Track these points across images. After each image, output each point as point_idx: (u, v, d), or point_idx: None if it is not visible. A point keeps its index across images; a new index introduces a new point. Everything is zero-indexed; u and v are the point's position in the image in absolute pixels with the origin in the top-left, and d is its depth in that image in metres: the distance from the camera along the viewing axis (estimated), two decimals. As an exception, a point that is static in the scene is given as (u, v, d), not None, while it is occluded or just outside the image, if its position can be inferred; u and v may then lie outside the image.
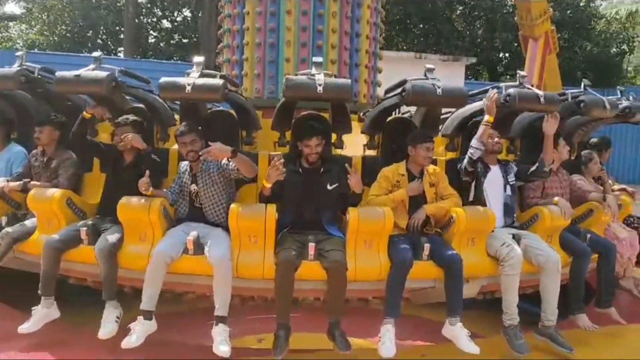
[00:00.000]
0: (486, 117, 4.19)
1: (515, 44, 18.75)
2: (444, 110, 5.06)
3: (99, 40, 24.27)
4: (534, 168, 4.41)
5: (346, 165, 3.99)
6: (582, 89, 4.79)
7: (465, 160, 4.26)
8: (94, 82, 4.08)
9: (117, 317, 3.82)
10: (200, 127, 4.26)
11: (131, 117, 4.31)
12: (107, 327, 3.74)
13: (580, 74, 21.12)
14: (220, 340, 3.59)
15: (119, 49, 24.35)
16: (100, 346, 3.74)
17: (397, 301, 3.82)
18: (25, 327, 3.81)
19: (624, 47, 23.49)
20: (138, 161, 4.25)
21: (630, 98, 5.28)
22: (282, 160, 3.84)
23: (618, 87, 5.54)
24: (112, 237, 3.88)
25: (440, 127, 5.03)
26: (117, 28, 24.03)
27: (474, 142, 4.21)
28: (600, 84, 16.96)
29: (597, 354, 4.07)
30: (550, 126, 4.31)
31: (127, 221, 3.92)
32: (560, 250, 4.29)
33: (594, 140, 5.97)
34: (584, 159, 5.11)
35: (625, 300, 5.25)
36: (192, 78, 4.00)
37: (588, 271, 4.48)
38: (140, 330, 3.63)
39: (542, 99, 4.14)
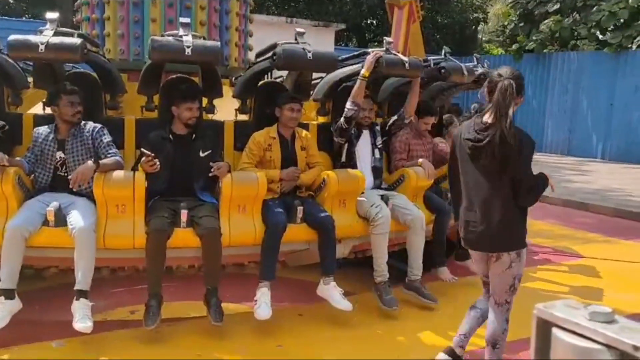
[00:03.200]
0: (363, 71, 4.31)
1: (382, 11, 19.30)
2: (315, 75, 5.11)
3: None
4: (395, 117, 4.71)
5: (211, 164, 3.87)
6: (443, 56, 5.04)
7: (342, 119, 4.36)
8: None
9: None
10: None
11: None
12: None
13: (441, 41, 22.28)
14: (81, 316, 3.40)
15: (-41, 3, 21.82)
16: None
17: (272, 264, 3.86)
18: None
19: (480, 15, 25.15)
20: None
21: (485, 65, 5.68)
22: (153, 157, 3.64)
23: (475, 54, 5.91)
24: None
25: (311, 92, 5.08)
26: (-44, -21, 21.48)
27: (349, 100, 4.31)
28: (458, 52, 18.05)
29: (457, 303, 4.39)
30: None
31: (-24, 194, 3.57)
32: (425, 209, 4.56)
33: (475, 105, 6.39)
34: (445, 122, 5.42)
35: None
36: (46, 36, 3.68)
37: (449, 227, 4.81)
38: (3, 311, 3.35)
39: (407, 65, 4.32)
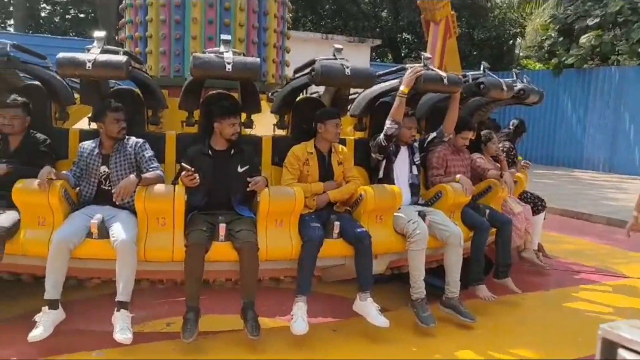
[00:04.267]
0: (402, 88, 4.30)
1: (418, 26, 19.30)
2: (352, 90, 5.14)
3: (-15, 13, 22.51)
4: (434, 134, 4.70)
5: (248, 179, 3.90)
6: (481, 72, 5.01)
7: (382, 136, 4.35)
8: None
9: None
10: None
11: (20, 98, 4.04)
12: None
13: (478, 56, 22.13)
14: (122, 327, 3.47)
15: (9, 22, 22.67)
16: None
17: (308, 279, 3.87)
18: None
19: (517, 30, 24.88)
20: (26, 145, 4.03)
21: (524, 80, 5.63)
22: (193, 171, 3.72)
23: (514, 70, 5.87)
24: (3, 222, 3.60)
25: (348, 107, 5.11)
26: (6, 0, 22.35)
27: (389, 119, 4.30)
28: (495, 67, 17.90)
29: (496, 322, 4.33)
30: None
31: (24, 205, 3.69)
32: (462, 225, 4.51)
33: (514, 121, 6.35)
34: (483, 138, 5.37)
35: (525, 270, 5.61)
36: (93, 54, 3.80)
37: (487, 244, 4.75)
38: (47, 321, 3.44)
39: (445, 81, 4.31)
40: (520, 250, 5.54)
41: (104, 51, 3.93)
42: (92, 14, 22.39)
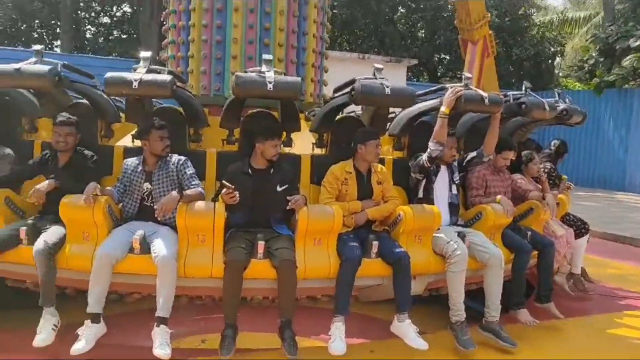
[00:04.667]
0: (443, 109, 4.28)
1: (456, 47, 19.25)
2: (390, 109, 5.13)
3: (34, 34, 23.33)
4: (474, 154, 4.65)
5: (287, 198, 3.92)
6: (523, 91, 4.95)
7: (425, 157, 4.33)
8: (37, 76, 3.92)
9: (55, 326, 3.65)
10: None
11: (72, 116, 4.17)
12: (43, 334, 3.57)
13: (515, 75, 21.91)
14: (160, 342, 3.50)
15: (55, 43, 23.49)
16: (42, 353, 3.59)
17: (346, 299, 3.85)
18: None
19: (556, 49, 24.55)
20: (74, 161, 4.15)
21: (567, 101, 5.53)
22: (233, 189, 3.77)
23: (556, 90, 5.78)
24: (51, 237, 3.72)
25: (387, 126, 5.10)
26: (54, 22, 23.17)
27: (432, 141, 4.28)
28: (534, 86, 17.67)
29: (538, 348, 4.22)
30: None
31: (70, 220, 3.78)
32: (503, 247, 4.43)
33: (555, 142, 6.25)
34: (524, 159, 5.28)
35: (568, 295, 5.47)
36: (139, 73, 3.90)
37: (528, 267, 4.65)
38: (89, 335, 3.51)
39: (486, 101, 4.27)
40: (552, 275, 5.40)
41: (149, 71, 4.03)
42: (134, 35, 23.02)
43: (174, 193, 3.81)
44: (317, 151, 4.81)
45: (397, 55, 19.08)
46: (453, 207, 4.54)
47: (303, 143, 4.83)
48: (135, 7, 23.32)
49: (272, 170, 4.13)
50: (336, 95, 4.77)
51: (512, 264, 4.49)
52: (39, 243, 3.67)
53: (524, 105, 4.72)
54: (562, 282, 5.46)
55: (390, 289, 3.97)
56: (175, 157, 4.10)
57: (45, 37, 23.92)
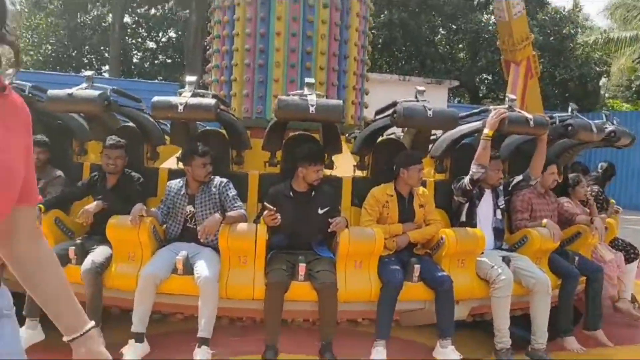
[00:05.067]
0: (486, 131, 4.23)
1: (497, 68, 19.05)
2: (432, 131, 5.11)
3: (84, 60, 24.23)
4: (520, 178, 4.57)
5: (329, 220, 3.93)
6: (569, 113, 4.86)
7: (467, 180, 4.28)
8: (88, 101, 4.06)
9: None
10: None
11: (121, 139, 4.29)
12: None
13: (560, 96, 21.51)
14: None
15: (104, 68, 24.32)
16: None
17: (388, 323, 3.81)
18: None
19: (603, 69, 24.02)
20: (122, 183, 4.25)
21: (614, 122, 5.39)
22: (275, 211, 3.80)
23: (604, 111, 5.64)
24: (98, 257, 3.82)
25: (429, 148, 5.07)
26: (102, 48, 24.03)
27: (475, 163, 4.23)
28: (579, 107, 17.30)
29: (586, 377, 4.08)
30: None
31: (116, 241, 3.87)
32: (549, 273, 4.31)
33: (603, 164, 6.10)
34: (571, 181, 5.16)
35: (617, 322, 5.26)
36: (185, 97, 4.00)
37: (576, 293, 4.51)
38: (132, 354, 3.56)
39: (531, 123, 4.20)
40: (614, 301, 5.21)
41: (194, 94, 4.12)
42: (179, 59, 23.63)
43: (217, 215, 3.86)
44: (358, 173, 4.81)
45: (438, 77, 18.99)
46: (497, 232, 4.46)
47: (344, 165, 4.84)
48: (180, 33, 23.99)
49: (313, 193, 4.14)
50: (378, 117, 4.77)
51: (559, 289, 4.37)
52: (87, 262, 3.77)
53: (570, 127, 4.63)
54: (627, 308, 5.23)
55: (432, 313, 3.91)
56: (217, 180, 4.16)
57: (94, 62, 24.80)
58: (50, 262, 1.40)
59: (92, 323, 1.41)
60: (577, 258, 4.60)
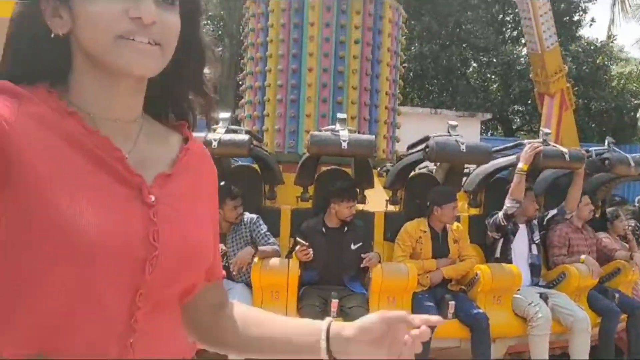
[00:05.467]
0: (520, 165, 4.19)
1: (530, 98, 18.90)
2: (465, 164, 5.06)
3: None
4: (555, 212, 4.50)
5: (362, 255, 3.93)
6: (606, 147, 4.79)
7: (501, 215, 4.23)
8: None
9: None
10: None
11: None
12: None
13: (596, 129, 21.18)
14: None
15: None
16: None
17: (422, 361, 3.73)
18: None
19: (638, 101, 23.59)
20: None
21: (653, 156, 5.27)
22: (307, 246, 3.82)
23: (640, 144, 5.53)
24: None
25: (462, 182, 5.03)
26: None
27: (509, 198, 4.19)
28: (616, 140, 16.97)
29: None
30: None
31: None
32: (589, 310, 4.20)
33: None
34: (609, 216, 5.05)
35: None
36: (219, 134, 4.06)
37: (617, 332, 4.37)
38: None
39: (567, 157, 4.15)
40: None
41: (228, 131, 4.18)
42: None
43: (249, 248, 3.87)
44: (391, 208, 4.79)
45: (470, 110, 18.90)
46: (534, 267, 4.37)
47: (376, 199, 4.82)
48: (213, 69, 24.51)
49: (346, 228, 4.13)
50: (410, 152, 4.77)
51: (599, 328, 4.24)
52: None
53: (607, 161, 4.56)
54: None
55: (468, 352, 3.83)
56: (247, 216, 4.16)
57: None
58: (243, 323, 1.03)
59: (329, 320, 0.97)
60: (617, 295, 4.47)
